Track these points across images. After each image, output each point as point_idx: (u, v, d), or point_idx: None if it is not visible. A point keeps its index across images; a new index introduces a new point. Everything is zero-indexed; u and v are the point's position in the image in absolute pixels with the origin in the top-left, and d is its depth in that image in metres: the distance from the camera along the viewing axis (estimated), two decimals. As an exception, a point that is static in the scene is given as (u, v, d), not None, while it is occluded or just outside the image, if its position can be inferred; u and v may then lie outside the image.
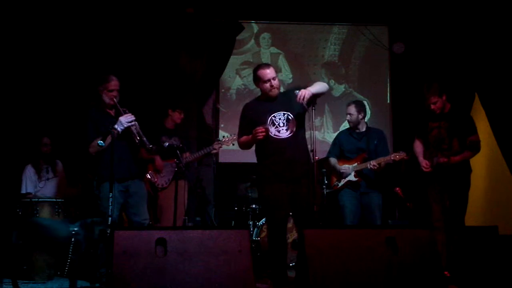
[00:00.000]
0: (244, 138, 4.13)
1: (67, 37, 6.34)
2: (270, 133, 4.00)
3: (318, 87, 3.99)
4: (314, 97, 3.89)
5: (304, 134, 4.12)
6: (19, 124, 6.05)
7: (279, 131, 4.00)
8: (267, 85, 4.03)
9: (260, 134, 3.93)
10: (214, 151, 5.51)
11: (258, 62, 7.46)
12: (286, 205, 3.99)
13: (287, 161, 3.96)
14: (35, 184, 5.37)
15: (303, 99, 3.82)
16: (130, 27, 6.56)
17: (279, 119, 4.03)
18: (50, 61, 6.29)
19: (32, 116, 6.13)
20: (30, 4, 6.01)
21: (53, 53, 6.29)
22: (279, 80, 4.15)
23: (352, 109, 4.97)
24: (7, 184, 5.56)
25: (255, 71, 4.14)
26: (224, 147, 5.50)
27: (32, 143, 5.51)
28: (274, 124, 4.02)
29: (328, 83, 7.60)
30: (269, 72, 4.04)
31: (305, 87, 3.93)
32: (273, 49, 7.64)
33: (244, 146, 4.17)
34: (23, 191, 5.30)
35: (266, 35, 7.64)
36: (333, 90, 7.62)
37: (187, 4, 6.83)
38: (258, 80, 4.10)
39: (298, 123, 4.04)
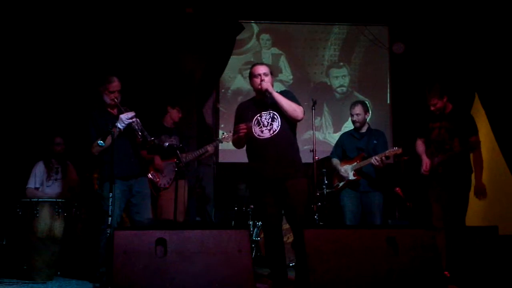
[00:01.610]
0: (235, 136, 4.11)
1: (75, 38, 6.36)
2: (254, 133, 3.94)
3: (283, 100, 3.95)
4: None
5: (292, 132, 4.03)
6: (32, 124, 6.05)
7: (262, 131, 3.94)
8: (257, 80, 3.97)
9: (241, 131, 3.91)
10: (207, 153, 5.48)
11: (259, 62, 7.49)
12: (274, 207, 3.95)
13: (269, 162, 3.88)
14: (43, 182, 5.36)
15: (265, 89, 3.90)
16: (131, 27, 6.56)
17: (265, 118, 3.97)
18: (62, 61, 6.31)
19: (45, 116, 6.14)
20: (40, 8, 6.05)
21: (63, 54, 6.31)
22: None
23: (360, 109, 4.96)
24: (14, 181, 5.57)
25: (250, 69, 4.13)
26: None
27: (45, 142, 5.51)
28: (259, 124, 3.96)
29: (329, 84, 7.63)
30: (260, 68, 4.01)
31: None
32: (274, 50, 7.64)
33: (235, 144, 4.16)
34: (31, 186, 5.29)
35: (266, 35, 7.64)
36: (334, 90, 7.62)
37: (187, 4, 6.83)
38: (250, 76, 4.08)
39: (284, 122, 3.95)
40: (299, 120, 3.99)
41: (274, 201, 3.93)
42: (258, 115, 3.98)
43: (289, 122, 3.98)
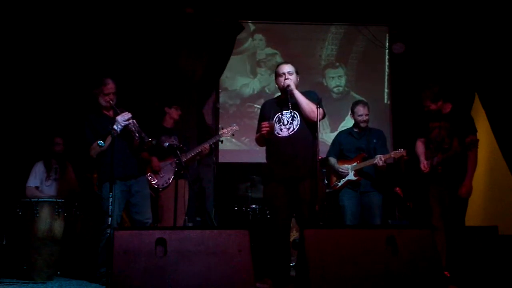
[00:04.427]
0: (257, 135, 4.20)
1: (76, 39, 6.35)
2: (274, 131, 4.02)
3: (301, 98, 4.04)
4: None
5: (311, 133, 4.07)
6: (32, 124, 6.05)
7: (281, 129, 4.03)
8: (282, 78, 4.05)
9: (264, 129, 3.98)
10: (204, 151, 5.40)
11: (256, 61, 7.48)
12: (285, 206, 3.98)
13: (284, 160, 3.95)
14: (42, 182, 5.36)
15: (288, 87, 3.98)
16: (131, 27, 6.56)
17: (285, 117, 4.05)
18: (63, 61, 6.30)
19: (44, 116, 6.13)
20: (40, 9, 6.05)
21: (64, 55, 6.30)
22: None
23: (365, 110, 4.94)
24: (14, 181, 5.56)
25: (276, 68, 4.21)
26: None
27: (45, 142, 5.51)
28: (279, 122, 4.05)
29: (325, 84, 7.61)
30: (285, 67, 4.10)
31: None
32: (269, 50, 7.58)
33: (258, 142, 4.24)
34: (31, 185, 5.29)
35: (261, 35, 7.59)
36: (330, 91, 7.60)
37: (187, 4, 6.83)
38: (275, 75, 4.17)
39: (303, 122, 4.02)
40: (315, 122, 4.00)
41: (286, 200, 3.96)
42: (280, 113, 4.07)
43: (308, 122, 4.03)
